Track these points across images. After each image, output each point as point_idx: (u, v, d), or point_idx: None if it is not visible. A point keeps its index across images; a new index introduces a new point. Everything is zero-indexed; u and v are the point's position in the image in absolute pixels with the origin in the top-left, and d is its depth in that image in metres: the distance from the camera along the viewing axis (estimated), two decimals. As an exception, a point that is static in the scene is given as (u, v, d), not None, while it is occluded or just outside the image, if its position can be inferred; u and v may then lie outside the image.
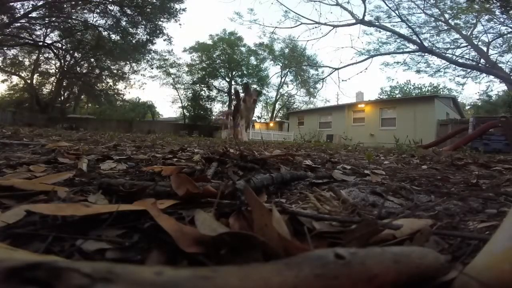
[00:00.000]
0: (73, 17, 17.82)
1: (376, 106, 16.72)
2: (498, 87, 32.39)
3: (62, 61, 21.76)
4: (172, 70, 26.46)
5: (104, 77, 23.87)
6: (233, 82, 26.72)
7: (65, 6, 16.78)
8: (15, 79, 23.60)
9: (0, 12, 14.84)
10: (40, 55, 21.83)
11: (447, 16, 13.27)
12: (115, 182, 0.66)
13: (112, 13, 17.48)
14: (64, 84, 23.28)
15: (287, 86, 28.64)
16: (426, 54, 14.12)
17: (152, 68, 24.70)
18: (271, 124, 25.17)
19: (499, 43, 13.64)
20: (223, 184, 0.67)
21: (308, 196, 0.71)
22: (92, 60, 22.34)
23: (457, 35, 13.91)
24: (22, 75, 22.65)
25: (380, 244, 0.41)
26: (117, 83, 24.51)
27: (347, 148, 4.54)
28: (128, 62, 21.95)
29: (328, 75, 14.19)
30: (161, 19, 18.28)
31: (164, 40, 19.56)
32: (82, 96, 27.68)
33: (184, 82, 27.17)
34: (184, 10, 18.22)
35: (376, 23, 14.17)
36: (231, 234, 0.36)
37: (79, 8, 17.16)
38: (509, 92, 15.42)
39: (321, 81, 15.86)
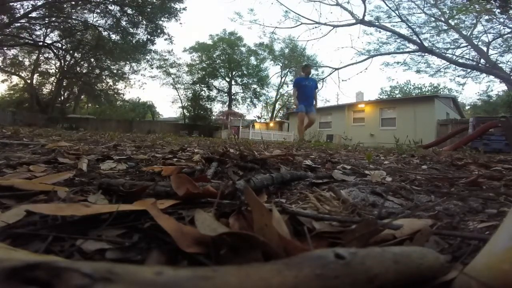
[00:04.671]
0: (73, 17, 17.84)
1: (376, 106, 16.72)
2: (498, 87, 32.45)
3: (62, 61, 21.80)
4: (172, 70, 26.55)
5: (104, 77, 23.92)
6: (233, 82, 26.76)
7: (65, 6, 16.79)
8: (15, 79, 23.70)
9: (0, 12, 14.84)
10: (40, 55, 21.89)
11: (447, 16, 13.27)
12: (115, 182, 0.66)
13: (112, 13, 17.50)
14: (64, 84, 23.31)
15: (287, 86, 28.68)
16: (426, 54, 14.12)
17: (152, 68, 24.81)
18: (271, 124, 25.17)
19: (499, 43, 13.66)
20: (223, 184, 0.67)
21: (308, 196, 0.71)
22: (92, 60, 22.38)
23: (457, 35, 13.92)
24: (22, 75, 22.72)
25: (380, 244, 0.41)
26: (117, 83, 24.57)
27: (347, 148, 4.54)
28: (128, 62, 21.98)
29: (328, 75, 14.20)
30: (162, 19, 18.31)
31: (165, 40, 19.63)
32: (82, 96, 27.73)
33: (184, 82, 27.25)
34: (184, 9, 18.26)
35: (376, 23, 14.17)
36: (231, 234, 0.36)
37: (79, 8, 17.18)
38: (509, 92, 15.42)
39: (321, 81, 15.83)
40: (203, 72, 26.10)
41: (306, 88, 6.46)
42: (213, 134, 19.27)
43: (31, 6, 15.65)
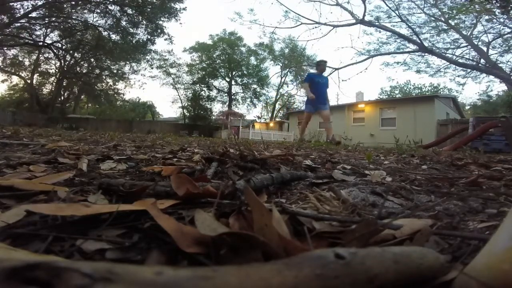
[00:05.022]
0: (73, 17, 17.85)
1: (376, 106, 16.71)
2: (498, 87, 32.50)
3: (62, 61, 21.82)
4: (172, 70, 26.58)
5: (104, 77, 23.94)
6: (233, 82, 26.76)
7: (65, 6, 16.79)
8: (15, 79, 23.73)
9: (0, 12, 14.84)
10: (40, 55, 21.91)
11: (447, 16, 13.27)
12: (115, 182, 0.66)
13: (112, 13, 17.51)
14: (64, 84, 23.33)
15: (287, 86, 28.71)
16: (426, 54, 14.11)
17: (152, 68, 24.83)
18: (271, 124, 25.17)
19: (499, 43, 13.67)
20: (223, 184, 0.67)
21: (308, 196, 0.71)
22: (92, 60, 22.40)
23: (457, 35, 13.92)
24: (22, 75, 22.74)
25: (380, 244, 0.41)
26: (117, 83, 24.59)
27: (347, 148, 4.53)
28: (128, 62, 21.99)
29: (328, 75, 14.15)
30: (162, 19, 18.32)
31: (165, 40, 19.64)
32: (82, 96, 27.75)
33: (184, 82, 27.27)
34: (184, 9, 18.28)
35: (376, 23, 14.16)
36: (231, 234, 0.36)
37: (79, 8, 17.19)
38: (509, 92, 15.42)
39: (321, 81, 15.81)
40: (203, 72, 26.10)
41: (318, 85, 6.16)
42: (213, 134, 19.28)
43: (31, 6, 15.67)
